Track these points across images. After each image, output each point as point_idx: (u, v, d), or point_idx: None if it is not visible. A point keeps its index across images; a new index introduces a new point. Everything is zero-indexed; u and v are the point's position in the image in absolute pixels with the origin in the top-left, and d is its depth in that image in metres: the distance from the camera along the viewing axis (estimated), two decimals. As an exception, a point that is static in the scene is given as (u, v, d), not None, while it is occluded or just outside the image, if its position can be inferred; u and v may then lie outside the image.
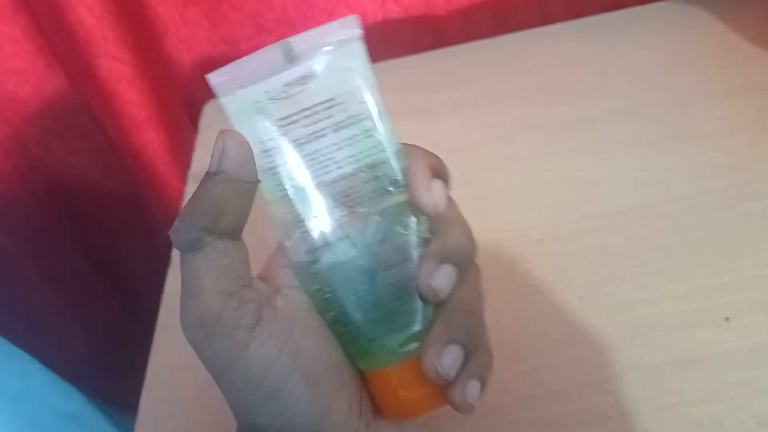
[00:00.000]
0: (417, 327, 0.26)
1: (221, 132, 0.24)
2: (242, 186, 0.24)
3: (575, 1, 0.62)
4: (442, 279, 0.25)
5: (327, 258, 0.26)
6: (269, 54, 0.25)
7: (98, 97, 0.59)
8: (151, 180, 0.65)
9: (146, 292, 0.50)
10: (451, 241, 0.25)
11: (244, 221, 0.25)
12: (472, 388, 0.25)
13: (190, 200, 0.24)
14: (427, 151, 0.26)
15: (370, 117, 0.25)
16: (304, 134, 0.25)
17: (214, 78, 0.25)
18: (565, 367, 0.36)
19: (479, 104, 0.53)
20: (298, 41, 0.25)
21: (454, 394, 0.24)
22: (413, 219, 0.26)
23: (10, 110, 0.63)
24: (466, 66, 0.56)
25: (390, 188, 0.26)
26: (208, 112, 0.59)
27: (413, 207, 0.25)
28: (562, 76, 0.53)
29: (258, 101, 0.25)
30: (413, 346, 0.25)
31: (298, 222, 0.25)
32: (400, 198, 0.26)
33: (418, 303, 0.26)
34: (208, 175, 0.23)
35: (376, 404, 0.27)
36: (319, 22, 0.61)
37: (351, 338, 0.26)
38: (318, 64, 0.25)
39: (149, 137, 0.62)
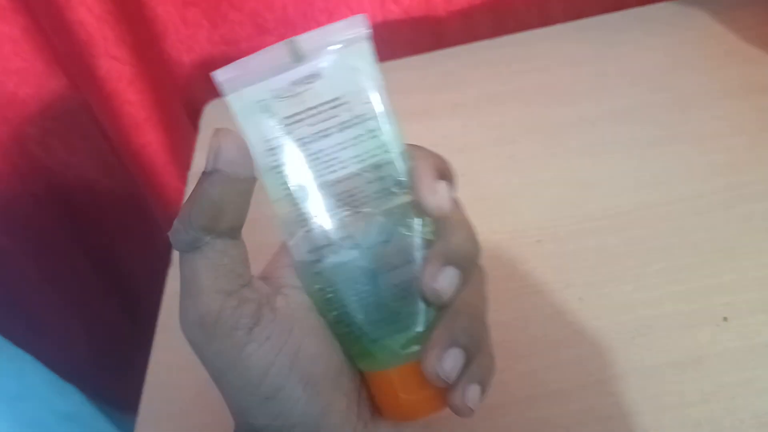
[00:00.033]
0: (419, 329, 0.25)
1: (216, 131, 0.24)
2: (239, 184, 0.24)
3: (575, 2, 0.62)
4: (445, 281, 0.25)
5: (330, 258, 0.25)
6: (276, 52, 0.25)
7: (98, 97, 0.59)
8: (151, 180, 0.65)
9: (146, 292, 0.50)
10: (455, 242, 0.25)
11: (242, 220, 0.24)
12: (473, 391, 0.24)
13: (187, 200, 0.24)
14: (432, 152, 0.26)
15: (375, 117, 0.25)
16: (309, 133, 0.25)
17: (220, 75, 0.25)
18: (565, 367, 0.36)
19: (479, 105, 0.53)
20: (305, 40, 0.25)
21: (454, 397, 0.24)
22: (417, 220, 0.25)
23: (10, 110, 0.63)
24: (466, 67, 0.56)
25: (394, 189, 0.25)
26: (208, 112, 0.59)
27: (418, 208, 0.25)
28: (562, 77, 0.53)
29: (263, 99, 0.25)
30: (415, 347, 0.25)
31: (302, 221, 0.25)
32: (405, 199, 0.25)
33: (421, 305, 0.25)
34: (205, 174, 0.23)
35: (375, 405, 0.27)
36: (319, 23, 0.61)
37: (352, 339, 0.26)
38: (324, 63, 0.25)
39: (149, 137, 0.62)
